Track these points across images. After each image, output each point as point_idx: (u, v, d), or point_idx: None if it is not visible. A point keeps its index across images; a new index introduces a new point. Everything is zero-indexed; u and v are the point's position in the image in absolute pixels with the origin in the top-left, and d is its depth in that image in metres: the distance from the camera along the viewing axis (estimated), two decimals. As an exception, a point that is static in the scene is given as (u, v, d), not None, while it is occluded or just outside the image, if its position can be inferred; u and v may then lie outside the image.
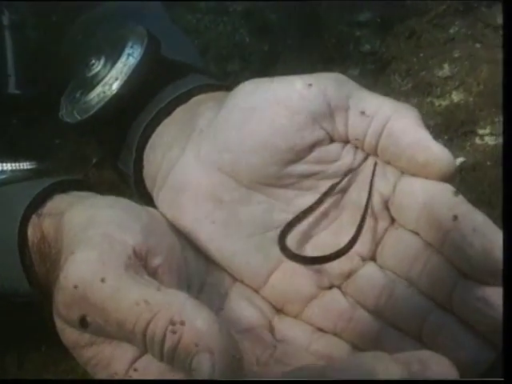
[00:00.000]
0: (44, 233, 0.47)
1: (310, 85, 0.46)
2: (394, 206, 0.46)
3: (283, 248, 0.46)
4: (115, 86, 0.52)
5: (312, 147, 0.47)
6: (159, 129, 0.52)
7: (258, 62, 0.90)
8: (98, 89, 0.53)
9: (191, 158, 0.49)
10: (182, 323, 0.36)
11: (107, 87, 0.52)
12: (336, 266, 0.46)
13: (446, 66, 0.71)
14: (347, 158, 0.47)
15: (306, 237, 0.48)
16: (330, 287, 0.47)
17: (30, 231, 0.48)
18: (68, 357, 0.42)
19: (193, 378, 0.35)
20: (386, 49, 0.78)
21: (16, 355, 0.57)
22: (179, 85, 0.54)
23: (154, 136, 0.52)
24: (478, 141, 0.66)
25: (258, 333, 0.45)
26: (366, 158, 0.47)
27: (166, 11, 0.69)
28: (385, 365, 0.34)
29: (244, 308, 0.47)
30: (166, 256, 0.43)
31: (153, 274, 0.42)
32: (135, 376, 0.39)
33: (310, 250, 0.47)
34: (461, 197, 0.44)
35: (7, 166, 0.54)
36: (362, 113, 0.45)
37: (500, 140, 0.64)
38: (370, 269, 0.46)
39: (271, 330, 0.46)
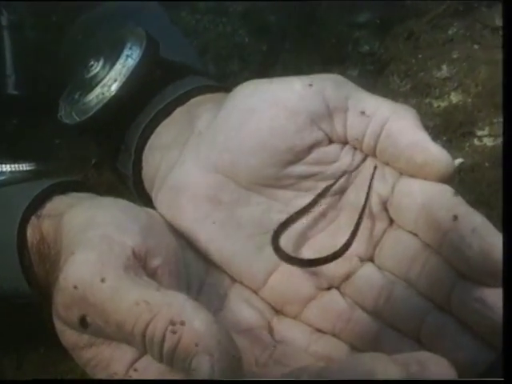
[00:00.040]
0: (43, 234, 0.47)
1: (309, 86, 0.46)
2: (393, 206, 0.46)
3: (277, 249, 0.46)
4: (114, 88, 0.52)
5: (311, 148, 0.47)
6: (158, 130, 0.53)
7: (257, 62, 0.90)
8: (97, 90, 0.53)
9: (190, 159, 0.49)
10: (182, 323, 0.36)
11: (106, 88, 0.52)
12: (335, 267, 0.46)
13: (444, 67, 0.71)
14: (346, 159, 0.47)
15: (305, 238, 0.48)
16: (329, 288, 0.47)
17: (29, 232, 0.48)
18: (67, 358, 0.42)
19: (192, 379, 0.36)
20: (384, 50, 0.78)
21: (15, 356, 0.57)
22: (178, 86, 0.54)
23: (152, 137, 0.53)
24: (476, 142, 0.66)
25: (257, 334, 0.45)
26: (364, 159, 0.47)
27: (166, 12, 0.69)
28: (383, 366, 0.35)
29: (243, 309, 0.47)
30: (165, 257, 0.43)
31: (152, 275, 0.42)
32: (134, 377, 0.39)
33: (308, 251, 0.47)
34: (459, 198, 0.44)
35: (6, 168, 0.54)
36: (362, 113, 0.45)
37: (498, 141, 0.64)
38: (369, 270, 0.46)
39: (270, 330, 0.46)
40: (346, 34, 0.84)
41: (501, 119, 0.65)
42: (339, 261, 0.45)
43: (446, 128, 0.67)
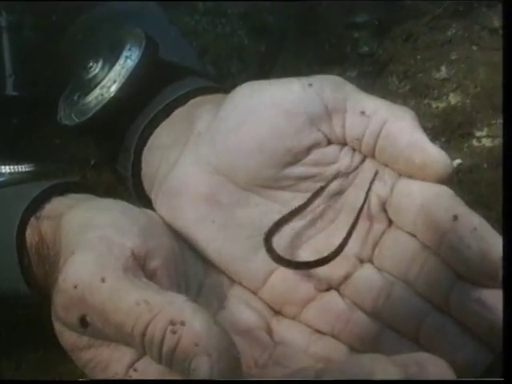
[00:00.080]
0: (42, 235, 0.47)
1: (308, 87, 0.47)
2: (392, 207, 0.46)
3: (270, 250, 0.46)
4: (113, 89, 0.52)
5: (309, 149, 0.47)
6: (157, 131, 0.53)
7: (255, 63, 0.90)
8: (96, 91, 0.53)
9: (189, 160, 0.49)
10: (183, 323, 0.36)
11: (105, 90, 0.52)
12: (334, 268, 0.46)
13: (443, 68, 0.72)
14: (345, 160, 0.47)
15: (304, 238, 0.48)
16: (328, 289, 0.47)
17: (28, 233, 0.48)
18: (66, 359, 0.42)
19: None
20: (383, 51, 0.78)
21: (14, 358, 0.57)
22: (177, 87, 0.54)
23: (152, 138, 0.53)
24: (475, 143, 0.66)
25: (256, 334, 0.45)
26: (363, 161, 0.47)
27: (164, 12, 0.69)
28: (382, 367, 0.35)
29: (242, 310, 0.47)
30: (165, 258, 0.43)
31: (151, 276, 0.42)
32: (134, 377, 0.39)
33: (307, 252, 0.47)
34: (458, 199, 0.44)
35: (5, 169, 0.54)
36: (362, 113, 0.46)
37: (497, 142, 0.64)
38: (368, 271, 0.46)
39: (269, 331, 0.46)
40: (345, 35, 0.84)
41: (499, 120, 0.65)
42: (338, 262, 0.46)
43: (445, 129, 0.67)
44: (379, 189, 0.47)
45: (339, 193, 0.48)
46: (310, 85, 0.47)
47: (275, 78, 0.49)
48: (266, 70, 0.88)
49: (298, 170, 0.47)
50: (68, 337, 0.40)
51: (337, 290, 0.47)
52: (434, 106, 0.70)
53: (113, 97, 0.52)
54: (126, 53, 0.53)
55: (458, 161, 0.64)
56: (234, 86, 0.50)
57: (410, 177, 0.45)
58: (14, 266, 0.48)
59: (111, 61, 0.53)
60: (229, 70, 0.90)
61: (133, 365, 0.39)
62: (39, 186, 0.51)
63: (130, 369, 0.39)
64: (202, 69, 0.67)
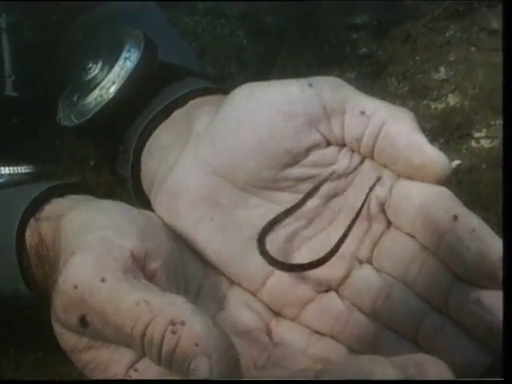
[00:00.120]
0: (42, 236, 0.47)
1: (307, 88, 0.47)
2: (391, 208, 0.46)
3: (263, 252, 0.46)
4: (112, 90, 0.52)
5: (308, 151, 0.47)
6: (156, 132, 0.53)
7: (255, 64, 0.90)
8: (96, 92, 0.53)
9: (188, 161, 0.49)
10: (183, 323, 0.36)
11: (104, 91, 0.53)
12: (332, 269, 0.46)
13: (442, 69, 0.72)
14: (343, 161, 0.47)
15: (303, 239, 0.48)
16: (327, 290, 0.47)
17: (27, 235, 0.48)
18: (66, 361, 0.42)
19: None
20: (382, 52, 0.78)
21: (13, 359, 0.57)
22: (176, 88, 0.54)
23: (151, 139, 0.53)
24: (473, 144, 0.66)
25: (255, 336, 0.46)
26: (362, 162, 0.48)
27: (163, 13, 0.69)
28: (381, 368, 0.35)
29: (241, 311, 0.47)
30: (164, 259, 0.44)
31: (150, 277, 0.42)
32: (134, 377, 0.39)
33: (306, 252, 0.47)
34: (457, 200, 0.44)
35: (5, 170, 0.54)
36: (362, 113, 0.46)
37: (496, 143, 0.65)
38: (367, 272, 0.46)
39: (268, 332, 0.47)
40: (344, 36, 0.84)
41: (498, 121, 0.65)
42: (337, 263, 0.46)
43: (444, 130, 0.67)
44: (378, 190, 0.47)
45: (338, 194, 0.48)
46: (309, 86, 0.47)
47: (274, 78, 0.49)
48: (265, 70, 0.88)
49: (296, 171, 0.47)
50: (68, 338, 0.40)
51: (336, 291, 0.47)
52: (432, 107, 0.70)
53: (112, 98, 0.52)
54: (125, 54, 0.53)
55: (457, 162, 0.65)
56: (233, 86, 0.50)
57: (409, 178, 0.45)
58: (14, 267, 0.48)
59: (110, 62, 0.53)
60: (228, 71, 0.90)
61: (132, 366, 0.39)
62: (39, 187, 0.51)
63: (129, 370, 0.39)
64: (201, 69, 0.67)
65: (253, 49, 0.91)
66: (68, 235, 0.43)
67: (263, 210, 0.48)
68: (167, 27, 0.68)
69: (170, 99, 0.53)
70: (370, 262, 0.47)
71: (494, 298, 0.41)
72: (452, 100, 0.69)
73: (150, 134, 0.53)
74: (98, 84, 0.53)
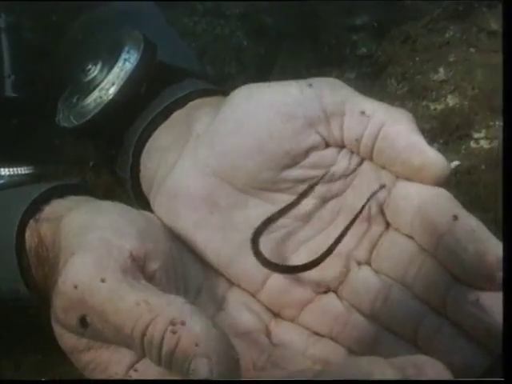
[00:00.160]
0: (42, 237, 0.47)
1: (306, 90, 0.47)
2: (390, 209, 0.46)
3: (257, 253, 0.45)
4: (112, 91, 0.52)
5: (307, 152, 0.47)
6: (156, 133, 0.53)
7: (254, 65, 0.90)
8: (95, 94, 0.53)
9: (188, 162, 0.49)
10: (183, 323, 0.36)
11: (104, 92, 0.53)
12: (331, 271, 0.46)
13: (441, 69, 0.72)
14: (343, 162, 0.47)
15: (302, 240, 0.48)
16: (326, 291, 0.47)
17: (27, 236, 0.48)
18: (65, 361, 0.42)
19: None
20: (382, 52, 0.78)
21: (13, 359, 0.57)
22: (176, 89, 0.54)
23: (150, 140, 0.53)
24: (473, 144, 0.66)
25: (254, 337, 0.46)
26: (361, 163, 0.48)
27: (162, 13, 0.69)
28: (380, 369, 0.35)
29: (241, 312, 0.47)
30: (163, 260, 0.44)
31: (150, 278, 0.42)
32: (134, 377, 0.39)
33: (305, 253, 0.47)
34: (456, 201, 0.44)
35: (5, 171, 0.54)
36: (362, 113, 0.46)
37: (495, 144, 0.65)
38: (366, 273, 0.46)
39: (268, 334, 0.47)
40: (344, 37, 0.84)
41: (497, 122, 0.65)
42: (336, 264, 0.46)
43: (443, 131, 0.67)
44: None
45: (337, 195, 0.48)
46: (309, 88, 0.47)
47: (274, 79, 0.49)
48: (265, 71, 0.88)
49: (296, 172, 0.47)
50: (67, 339, 0.40)
51: (335, 292, 0.47)
52: (432, 107, 0.70)
53: (111, 99, 0.52)
54: (124, 55, 0.53)
55: (456, 162, 0.65)
56: (232, 87, 0.50)
57: (408, 179, 0.45)
58: (14, 268, 0.48)
59: (110, 63, 0.53)
60: (227, 72, 0.90)
61: (132, 367, 0.39)
62: (38, 188, 0.51)
63: (129, 370, 0.39)
64: (200, 70, 0.67)
65: (252, 49, 0.91)
66: (68, 236, 0.43)
67: (262, 211, 0.48)
68: (166, 28, 0.68)
69: (169, 100, 0.53)
70: (368, 263, 0.47)
71: (492, 300, 0.41)
72: (451, 101, 0.69)
73: (149, 136, 0.53)
74: (98, 85, 0.53)
